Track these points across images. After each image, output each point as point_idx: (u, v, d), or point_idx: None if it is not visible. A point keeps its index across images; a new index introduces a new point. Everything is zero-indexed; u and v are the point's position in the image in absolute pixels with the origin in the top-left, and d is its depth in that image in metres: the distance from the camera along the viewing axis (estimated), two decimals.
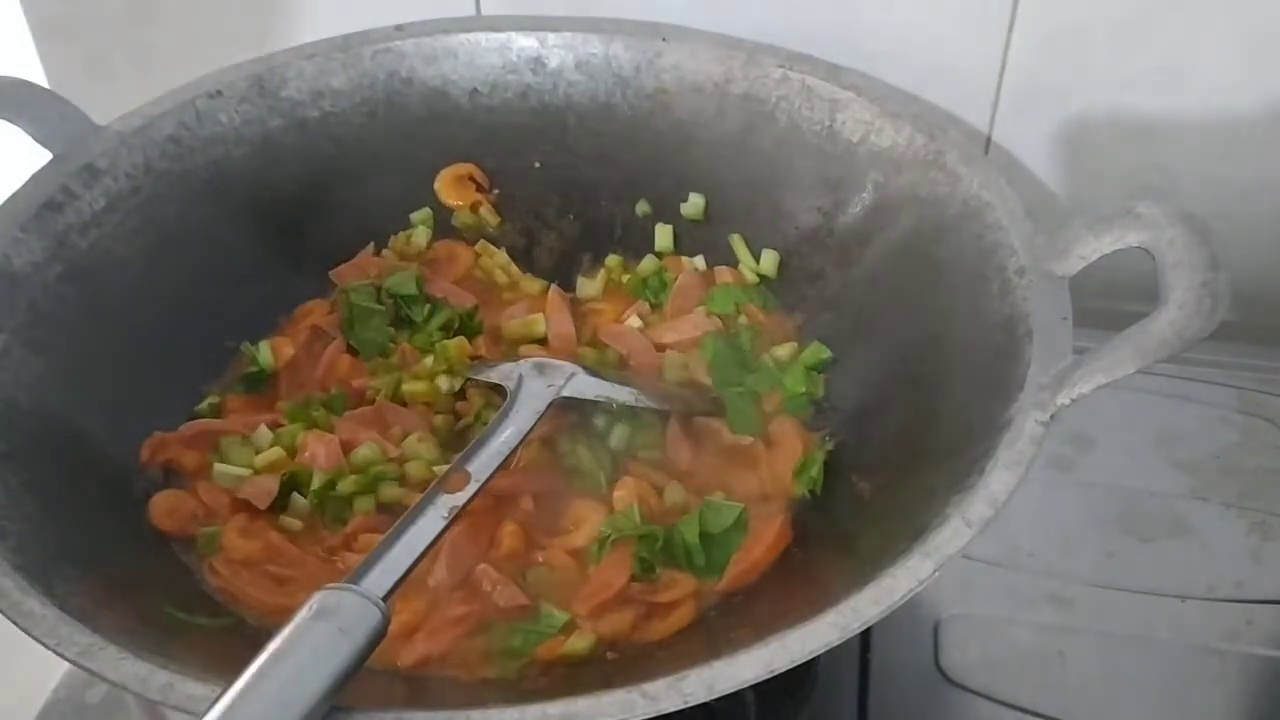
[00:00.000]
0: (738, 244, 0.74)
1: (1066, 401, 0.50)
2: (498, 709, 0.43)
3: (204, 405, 0.66)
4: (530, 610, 0.57)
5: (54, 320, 0.61)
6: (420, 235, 0.75)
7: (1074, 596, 0.67)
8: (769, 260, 0.73)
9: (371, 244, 0.74)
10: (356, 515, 0.60)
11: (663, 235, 0.75)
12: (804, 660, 0.43)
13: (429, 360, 0.67)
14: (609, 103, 0.75)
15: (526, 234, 0.76)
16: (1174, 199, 0.52)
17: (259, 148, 0.72)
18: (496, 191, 0.77)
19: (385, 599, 0.47)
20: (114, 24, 0.88)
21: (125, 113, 0.68)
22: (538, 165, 0.77)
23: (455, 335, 0.69)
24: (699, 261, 0.75)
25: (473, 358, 0.67)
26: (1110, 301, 0.64)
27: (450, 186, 0.76)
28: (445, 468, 0.57)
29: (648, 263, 0.74)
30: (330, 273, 0.72)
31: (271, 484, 0.60)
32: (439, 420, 0.65)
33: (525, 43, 0.75)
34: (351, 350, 0.69)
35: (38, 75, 0.90)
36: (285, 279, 0.71)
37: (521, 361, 0.65)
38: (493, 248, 0.75)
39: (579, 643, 0.55)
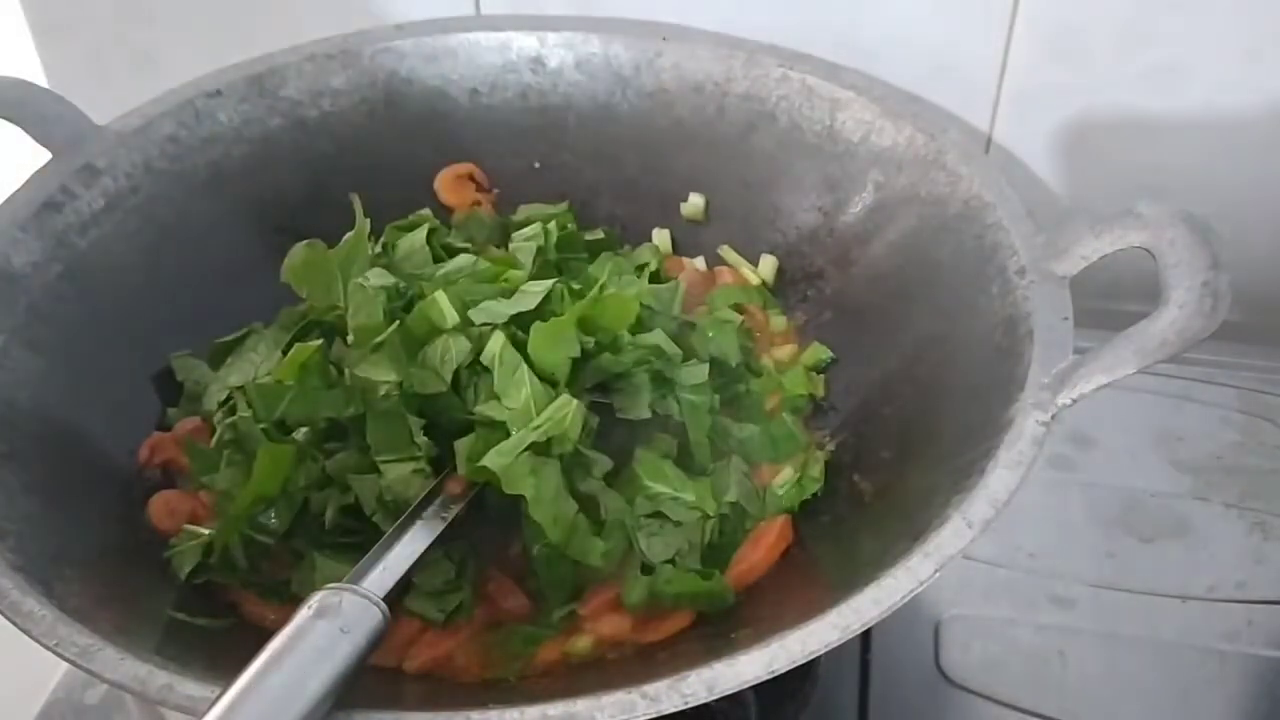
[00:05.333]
0: (728, 254, 0.74)
1: (1067, 401, 0.50)
2: (498, 709, 0.42)
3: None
4: (531, 611, 0.57)
5: (54, 320, 0.61)
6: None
7: (1075, 597, 0.67)
8: (767, 265, 0.73)
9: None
10: None
11: (660, 239, 0.75)
12: (804, 661, 0.43)
13: None
14: (609, 102, 0.75)
15: None
16: (1174, 199, 0.52)
17: (258, 147, 0.72)
18: (496, 191, 0.77)
19: (386, 599, 0.47)
20: (114, 24, 0.88)
21: (125, 113, 0.68)
22: (537, 165, 0.77)
23: None
24: (699, 262, 0.75)
25: None
26: (1110, 301, 0.64)
27: (450, 186, 0.76)
28: None
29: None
30: None
31: None
32: None
33: (525, 42, 0.75)
34: None
35: (38, 75, 0.90)
36: None
37: None
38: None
39: (579, 643, 0.55)
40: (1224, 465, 0.74)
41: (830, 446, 0.64)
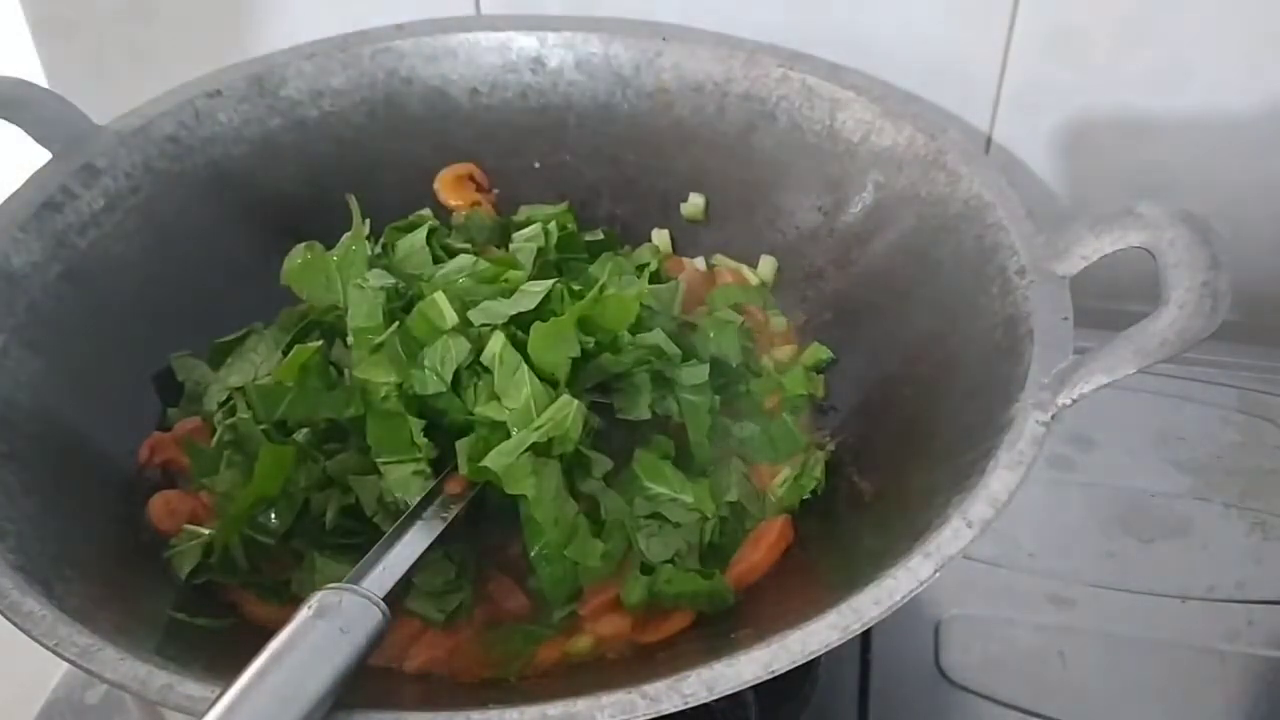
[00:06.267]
0: (723, 262, 0.74)
1: (1067, 401, 0.50)
2: (498, 709, 0.42)
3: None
4: (531, 611, 0.57)
5: (53, 320, 0.61)
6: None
7: (1074, 597, 0.67)
8: (766, 266, 0.73)
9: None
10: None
11: (660, 239, 0.75)
12: (804, 661, 0.43)
13: None
14: (609, 102, 0.75)
15: None
16: (1174, 199, 0.52)
17: (258, 147, 0.72)
18: (496, 191, 0.77)
19: (386, 599, 0.47)
20: (114, 24, 0.88)
21: (125, 113, 0.68)
22: (537, 165, 0.77)
23: None
24: (699, 262, 0.75)
25: None
26: (1111, 301, 0.64)
27: (450, 186, 0.76)
28: None
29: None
30: None
31: None
32: None
33: (525, 42, 0.75)
34: None
35: (38, 75, 0.90)
36: None
37: None
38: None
39: (579, 643, 0.55)
40: (1224, 465, 0.74)
41: (830, 446, 0.64)
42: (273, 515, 0.57)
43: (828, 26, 0.77)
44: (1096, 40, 0.77)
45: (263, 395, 0.60)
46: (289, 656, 0.43)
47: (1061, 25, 0.77)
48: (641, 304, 0.61)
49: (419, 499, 0.56)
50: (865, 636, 0.65)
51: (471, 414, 0.57)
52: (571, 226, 0.72)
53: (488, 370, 0.57)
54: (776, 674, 0.43)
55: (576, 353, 0.58)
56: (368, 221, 0.64)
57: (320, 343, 0.61)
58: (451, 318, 0.58)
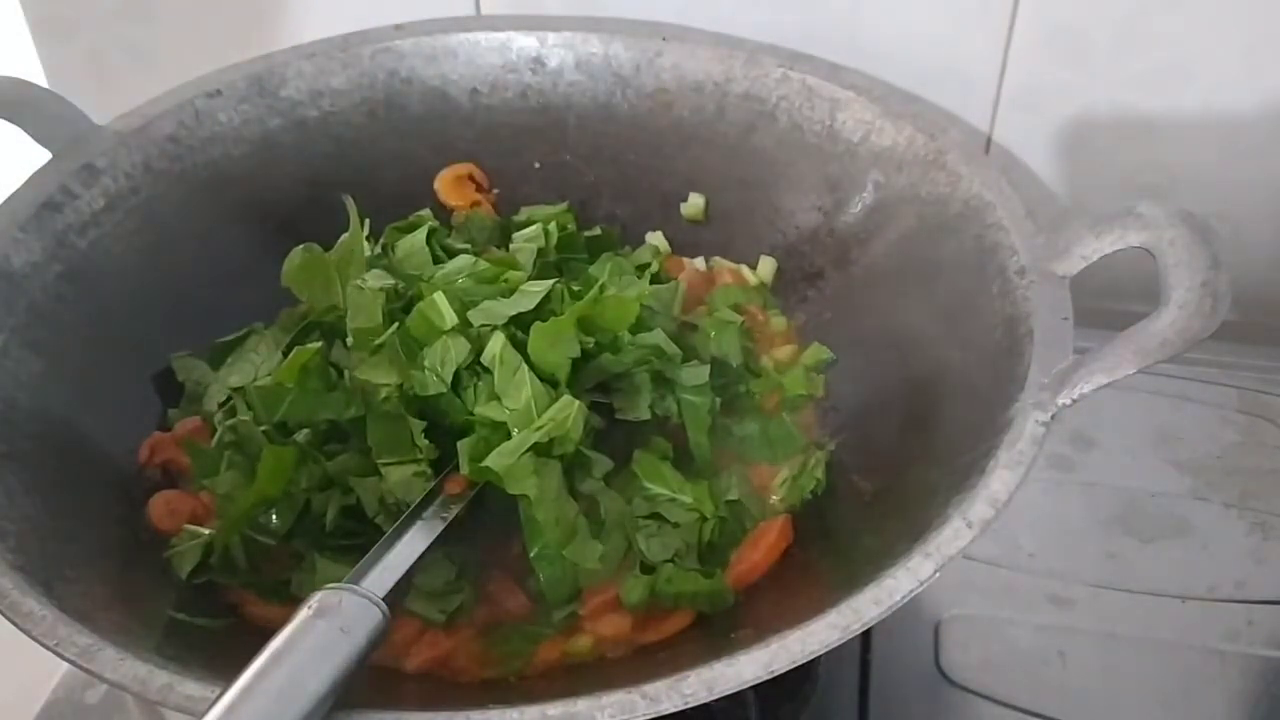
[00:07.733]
0: (721, 264, 0.74)
1: (1067, 401, 0.50)
2: (498, 709, 0.42)
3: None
4: (531, 611, 0.57)
5: (54, 320, 0.61)
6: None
7: (1074, 597, 0.67)
8: (766, 266, 0.73)
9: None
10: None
11: (656, 243, 0.75)
12: (804, 661, 0.43)
13: None
14: (609, 102, 0.75)
15: None
16: (1174, 199, 0.52)
17: (258, 147, 0.72)
18: (496, 191, 0.77)
19: (386, 599, 0.47)
20: (114, 24, 0.88)
21: (125, 113, 0.68)
22: (537, 165, 0.77)
23: None
24: (699, 262, 0.75)
25: None
26: (1111, 301, 0.64)
27: (450, 186, 0.76)
28: None
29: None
30: None
31: None
32: None
33: (525, 42, 0.75)
34: None
35: (38, 75, 0.90)
36: None
37: None
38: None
39: (579, 643, 0.55)
40: (1224, 465, 0.74)
41: (830, 446, 0.64)
42: (273, 516, 0.57)
43: (828, 26, 0.77)
44: (1096, 40, 0.77)
45: (263, 396, 0.60)
46: (289, 656, 0.43)
47: (1061, 25, 0.77)
48: (641, 304, 0.61)
49: (419, 499, 0.56)
50: (865, 636, 0.65)
51: (472, 414, 0.57)
52: (571, 226, 0.72)
53: (488, 370, 0.57)
54: (776, 674, 0.43)
55: (576, 353, 0.58)
56: (367, 222, 0.64)
57: (320, 344, 0.61)
58: (451, 318, 0.58)
